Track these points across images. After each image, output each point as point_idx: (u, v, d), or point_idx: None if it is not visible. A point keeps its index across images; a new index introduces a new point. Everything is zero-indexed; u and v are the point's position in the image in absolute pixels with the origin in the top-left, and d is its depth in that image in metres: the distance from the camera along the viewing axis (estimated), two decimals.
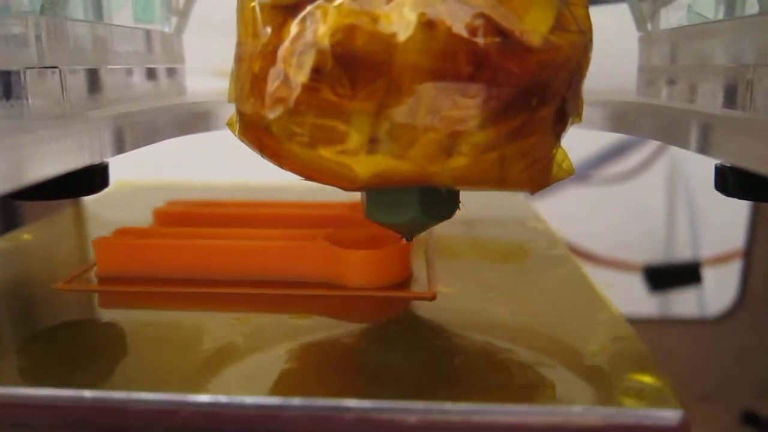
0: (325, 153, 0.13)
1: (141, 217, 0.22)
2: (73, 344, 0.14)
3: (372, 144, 0.12)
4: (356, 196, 0.16)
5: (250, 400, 0.11)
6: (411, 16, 0.12)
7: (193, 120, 0.18)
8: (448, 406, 0.11)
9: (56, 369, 0.12)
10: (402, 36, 0.12)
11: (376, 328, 0.15)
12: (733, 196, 0.15)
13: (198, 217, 0.21)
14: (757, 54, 0.13)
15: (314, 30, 0.12)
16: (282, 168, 0.14)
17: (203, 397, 0.11)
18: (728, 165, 0.15)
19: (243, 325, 0.14)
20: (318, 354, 0.13)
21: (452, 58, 0.12)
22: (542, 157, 0.13)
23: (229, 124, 0.15)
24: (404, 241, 0.17)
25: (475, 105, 0.12)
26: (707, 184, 0.16)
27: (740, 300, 0.34)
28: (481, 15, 0.12)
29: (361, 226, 0.18)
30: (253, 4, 0.13)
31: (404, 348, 0.14)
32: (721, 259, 0.37)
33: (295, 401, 0.11)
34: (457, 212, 0.15)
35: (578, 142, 0.16)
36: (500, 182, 0.13)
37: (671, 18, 0.18)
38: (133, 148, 0.15)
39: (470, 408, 0.11)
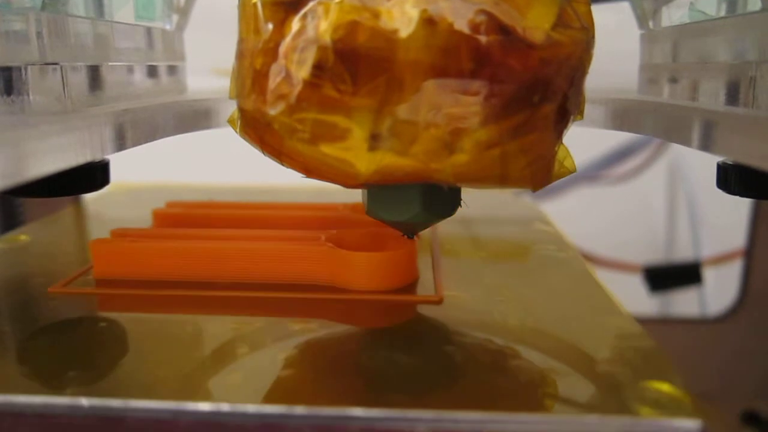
0: (327, 149, 0.13)
1: (140, 218, 0.22)
2: (66, 350, 0.13)
3: (374, 140, 0.12)
4: (357, 197, 0.15)
5: (252, 408, 0.11)
6: (413, 13, 0.12)
7: (194, 117, 0.18)
8: (459, 415, 0.11)
9: (47, 375, 0.12)
10: (404, 32, 0.12)
11: (381, 332, 0.14)
12: (735, 194, 0.15)
13: (198, 218, 0.21)
14: (760, 51, 0.13)
15: (316, 26, 0.12)
16: (283, 165, 0.13)
17: (203, 405, 0.11)
18: (730, 162, 0.15)
19: (243, 329, 0.14)
20: (320, 360, 0.13)
21: (454, 54, 0.12)
22: (544, 155, 0.13)
23: (230, 122, 0.15)
24: (410, 243, 0.16)
25: (476, 102, 0.12)
26: (708, 183, 0.16)
27: (741, 300, 0.34)
28: (484, 12, 0.12)
29: (364, 228, 0.18)
30: (254, 0, 0.13)
31: (410, 353, 0.13)
32: (722, 259, 0.36)
33: (299, 410, 0.11)
34: (461, 212, 0.15)
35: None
36: (502, 179, 0.13)
37: (673, 15, 0.18)
38: (134, 145, 0.15)
39: (481, 417, 0.11)
